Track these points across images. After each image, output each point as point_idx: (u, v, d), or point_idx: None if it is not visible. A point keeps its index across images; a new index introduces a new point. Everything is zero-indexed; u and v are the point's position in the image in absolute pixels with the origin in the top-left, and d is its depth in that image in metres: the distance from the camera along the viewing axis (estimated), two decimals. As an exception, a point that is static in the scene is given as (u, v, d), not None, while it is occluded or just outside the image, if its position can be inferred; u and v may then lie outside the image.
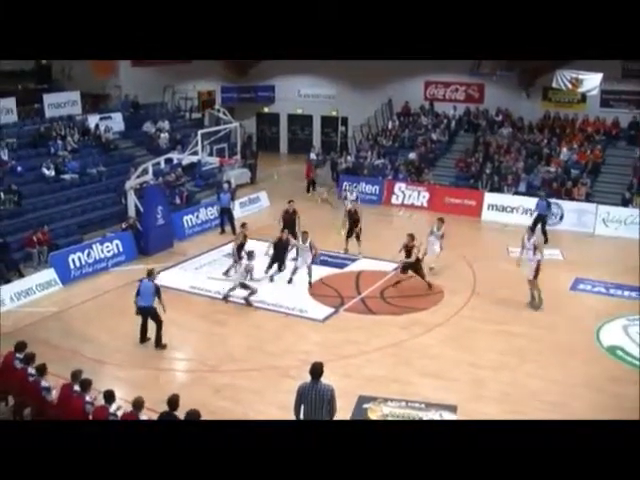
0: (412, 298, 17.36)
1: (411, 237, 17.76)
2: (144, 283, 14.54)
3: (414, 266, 17.77)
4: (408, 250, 17.69)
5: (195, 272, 19.60)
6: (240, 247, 18.47)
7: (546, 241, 21.80)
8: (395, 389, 12.76)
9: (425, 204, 27.17)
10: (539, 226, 21.95)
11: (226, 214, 23.65)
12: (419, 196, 27.52)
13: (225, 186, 24.55)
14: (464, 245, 21.77)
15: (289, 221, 20.23)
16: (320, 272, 18.31)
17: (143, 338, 14.64)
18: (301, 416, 9.45)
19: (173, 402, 9.74)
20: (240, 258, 17.87)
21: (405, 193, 27.79)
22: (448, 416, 11.89)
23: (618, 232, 23.56)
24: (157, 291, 14.39)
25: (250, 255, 17.05)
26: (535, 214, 23.08)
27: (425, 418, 11.86)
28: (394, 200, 27.88)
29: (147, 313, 14.45)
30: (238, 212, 24.88)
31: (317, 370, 9.37)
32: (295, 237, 19.58)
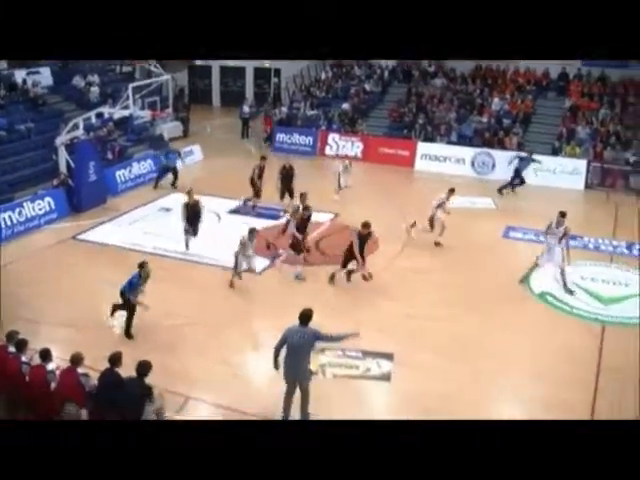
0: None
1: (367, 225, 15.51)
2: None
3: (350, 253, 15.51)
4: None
5: (129, 227, 19.39)
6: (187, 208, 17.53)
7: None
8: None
9: (359, 154, 27.34)
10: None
11: (171, 172, 23.40)
12: (353, 146, 27.67)
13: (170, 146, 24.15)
14: (398, 195, 22.07)
15: (286, 177, 20.26)
16: (255, 224, 18.32)
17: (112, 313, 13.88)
18: (281, 358, 10.11)
19: (115, 359, 9.71)
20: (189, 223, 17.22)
21: (339, 144, 27.91)
22: (385, 364, 12.17)
23: (548, 181, 24.14)
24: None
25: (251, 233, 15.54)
26: (515, 166, 23.36)
27: (362, 367, 12.14)
28: (328, 151, 28.01)
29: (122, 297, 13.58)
30: (172, 166, 24.57)
31: (306, 316, 9.99)
32: (292, 194, 19.86)
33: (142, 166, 24.07)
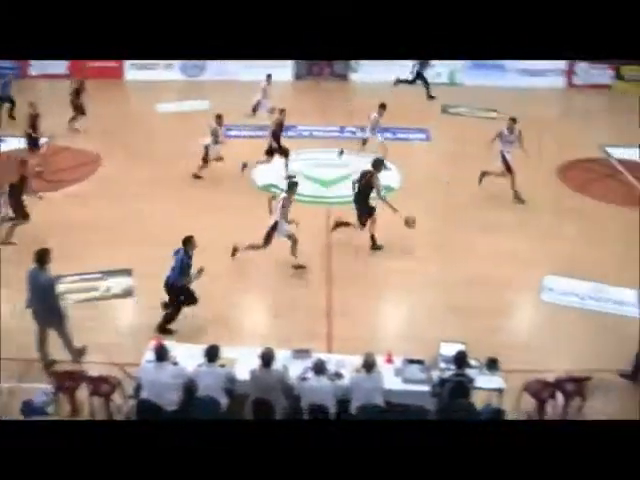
0: (66, 171, 16.68)
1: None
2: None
3: None
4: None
5: None
6: None
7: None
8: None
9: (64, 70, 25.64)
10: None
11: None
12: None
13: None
14: (109, 107, 21.18)
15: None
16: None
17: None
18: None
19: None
20: None
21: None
22: (125, 281, 11.99)
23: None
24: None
25: None
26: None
27: (103, 287, 11.88)
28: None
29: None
30: None
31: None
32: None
33: None
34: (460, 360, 8.58)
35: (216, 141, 16.24)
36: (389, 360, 9.15)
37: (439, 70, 24.30)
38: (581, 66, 24.88)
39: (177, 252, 10.54)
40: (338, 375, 8.70)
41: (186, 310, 10.73)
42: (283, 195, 12.65)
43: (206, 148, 16.18)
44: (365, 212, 13.35)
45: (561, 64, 24.77)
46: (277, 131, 16.47)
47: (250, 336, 10.72)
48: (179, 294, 10.71)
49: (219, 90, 23.01)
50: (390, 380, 8.76)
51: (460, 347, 8.92)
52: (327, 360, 8.76)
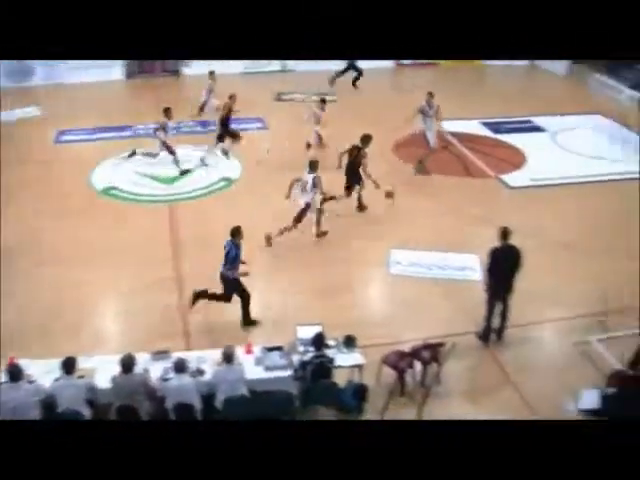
0: None
1: None
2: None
3: None
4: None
5: None
6: None
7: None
8: None
9: None
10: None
11: None
12: None
13: None
14: None
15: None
16: None
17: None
18: None
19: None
20: None
21: None
22: None
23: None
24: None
25: None
26: None
27: None
28: None
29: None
30: None
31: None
32: None
33: None
34: (318, 341, 8.75)
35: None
36: (249, 350, 9.19)
37: (270, 58, 24.40)
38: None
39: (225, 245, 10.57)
40: (200, 371, 8.68)
41: (37, 321, 10.38)
42: (312, 175, 13.04)
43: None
44: (355, 182, 14.43)
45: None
46: (226, 116, 16.80)
47: (107, 343, 10.45)
48: (233, 287, 10.68)
49: (50, 95, 22.03)
50: (252, 370, 8.82)
51: (317, 328, 9.09)
52: (187, 358, 8.70)
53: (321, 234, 13.52)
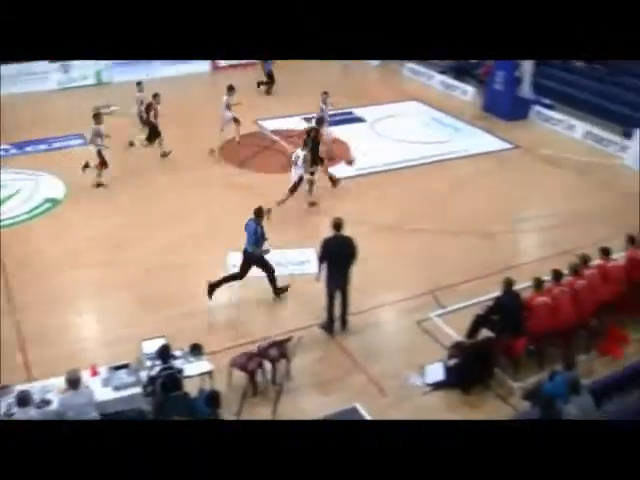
0: None
1: None
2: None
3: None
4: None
5: None
6: None
7: None
8: None
9: None
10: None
11: None
12: None
13: None
14: None
15: None
16: None
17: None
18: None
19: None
20: None
21: None
22: None
23: None
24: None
25: None
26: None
27: None
28: None
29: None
30: None
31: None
32: None
33: None
34: (163, 354, 8.68)
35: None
36: (94, 373, 8.95)
37: (85, 72, 23.86)
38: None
39: (247, 225, 11.34)
40: (45, 402, 8.36)
41: None
42: (304, 152, 14.81)
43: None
44: (316, 163, 15.35)
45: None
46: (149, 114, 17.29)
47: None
48: (260, 262, 11.50)
49: None
50: (100, 391, 8.60)
51: (161, 341, 9.01)
52: (31, 390, 8.35)
53: (312, 204, 15.06)
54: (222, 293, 11.91)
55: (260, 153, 17.80)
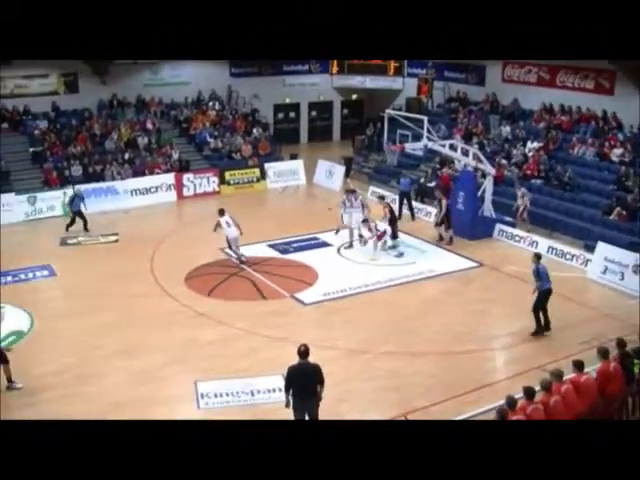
0: None
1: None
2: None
3: None
4: None
5: None
6: None
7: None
8: None
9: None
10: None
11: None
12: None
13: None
14: None
15: None
16: None
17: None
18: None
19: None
20: None
21: None
22: None
23: None
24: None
25: None
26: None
27: None
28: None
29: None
30: None
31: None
32: None
33: None
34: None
35: None
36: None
37: (51, 203, 24.18)
38: (188, 176, 26.58)
39: None
40: None
41: None
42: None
43: None
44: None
45: (169, 178, 26.12)
46: None
47: None
48: None
49: None
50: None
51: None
52: None
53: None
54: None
55: (225, 281, 17.71)
